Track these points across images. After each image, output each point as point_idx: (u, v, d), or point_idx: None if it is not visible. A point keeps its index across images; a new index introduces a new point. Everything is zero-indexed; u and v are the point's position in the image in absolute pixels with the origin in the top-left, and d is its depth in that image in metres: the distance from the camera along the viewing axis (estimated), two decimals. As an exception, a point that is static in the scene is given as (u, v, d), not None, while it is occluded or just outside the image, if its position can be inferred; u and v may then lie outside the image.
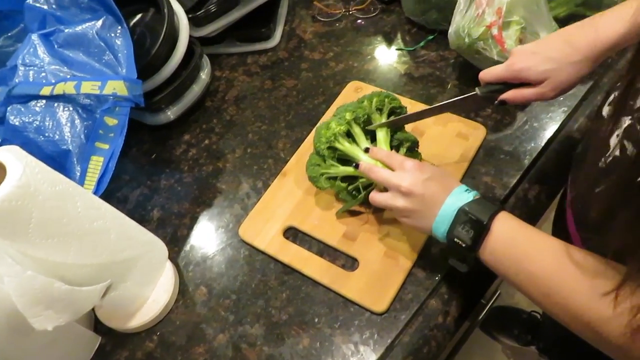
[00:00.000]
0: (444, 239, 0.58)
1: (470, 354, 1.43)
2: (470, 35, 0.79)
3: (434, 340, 0.65)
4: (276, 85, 0.95)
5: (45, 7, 0.78)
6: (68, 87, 0.71)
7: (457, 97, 0.68)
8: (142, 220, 0.80)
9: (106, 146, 0.72)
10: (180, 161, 0.87)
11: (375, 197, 0.64)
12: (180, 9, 0.87)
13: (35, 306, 0.52)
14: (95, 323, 0.71)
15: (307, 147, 0.83)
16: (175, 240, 0.77)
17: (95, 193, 0.70)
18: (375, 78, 0.92)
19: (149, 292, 0.70)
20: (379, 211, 0.73)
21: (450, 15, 0.84)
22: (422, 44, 0.95)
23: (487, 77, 0.67)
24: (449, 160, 0.77)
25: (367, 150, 0.67)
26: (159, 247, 0.70)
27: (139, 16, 0.89)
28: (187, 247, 0.77)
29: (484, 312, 1.18)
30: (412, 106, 0.84)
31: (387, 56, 0.96)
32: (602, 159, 0.53)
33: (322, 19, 1.04)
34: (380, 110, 0.70)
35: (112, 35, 0.76)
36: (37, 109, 0.72)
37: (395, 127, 0.71)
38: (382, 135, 0.69)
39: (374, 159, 0.66)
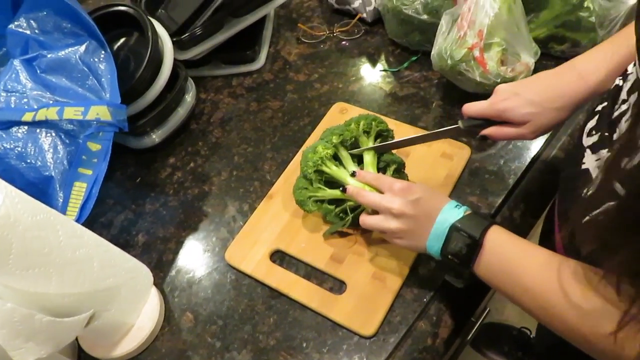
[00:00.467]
0: (438, 257, 0.58)
1: (461, 372, 1.42)
2: (452, 57, 0.80)
3: (423, 363, 0.64)
4: (261, 107, 0.95)
5: (28, 32, 0.78)
6: (50, 113, 0.70)
7: (441, 127, 0.70)
8: (126, 246, 0.79)
9: (89, 172, 0.71)
10: (165, 185, 0.86)
11: (367, 220, 0.64)
12: (164, 32, 0.87)
13: (16, 339, 0.50)
14: (78, 352, 0.69)
15: (292, 169, 0.83)
16: (160, 266, 0.76)
17: (78, 220, 0.69)
18: (360, 99, 0.93)
19: (134, 320, 0.68)
20: (366, 233, 0.73)
21: (432, 37, 0.85)
22: (405, 65, 0.96)
23: (469, 111, 0.68)
24: (434, 181, 0.78)
25: (354, 173, 0.67)
26: (144, 273, 0.69)
27: (122, 40, 0.89)
28: (172, 272, 0.76)
29: (474, 329, 1.17)
30: (397, 127, 0.84)
31: (371, 77, 0.97)
32: (585, 189, 0.54)
33: (307, 41, 1.05)
34: (367, 133, 0.70)
35: (96, 60, 0.76)
36: (19, 135, 0.71)
37: (380, 152, 0.71)
38: (368, 158, 0.70)
39: (362, 182, 0.66)
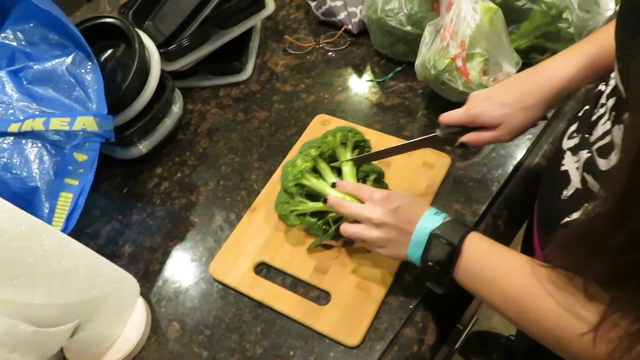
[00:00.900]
0: (419, 264, 0.59)
1: (450, 380, 1.42)
2: (436, 67, 0.81)
3: (409, 369, 0.65)
4: (248, 117, 0.96)
5: (15, 43, 0.78)
6: (37, 124, 0.71)
7: (419, 137, 0.71)
8: (113, 256, 0.79)
9: (76, 182, 0.71)
10: (152, 195, 0.86)
11: (347, 228, 0.64)
12: (151, 43, 0.88)
13: (0, 349, 0.50)
14: (63, 364, 0.69)
15: (275, 181, 0.83)
16: (147, 276, 0.76)
17: (64, 230, 0.69)
18: (346, 109, 0.94)
19: (120, 330, 0.68)
20: (349, 243, 0.74)
21: (416, 47, 0.87)
22: (390, 75, 0.97)
23: (446, 120, 0.69)
24: (416, 190, 0.78)
25: (334, 184, 0.68)
26: (130, 284, 0.69)
27: (110, 51, 0.89)
28: (159, 283, 0.75)
29: (462, 337, 1.18)
30: (380, 138, 0.86)
31: (357, 87, 0.98)
32: (564, 192, 0.55)
33: (293, 52, 1.06)
34: (344, 144, 0.71)
35: (82, 71, 0.77)
36: (4, 145, 0.71)
37: (359, 164, 0.72)
38: (347, 169, 0.70)
39: (342, 192, 0.67)
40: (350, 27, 1.04)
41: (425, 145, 0.73)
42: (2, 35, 0.78)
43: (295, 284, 0.72)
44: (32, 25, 0.78)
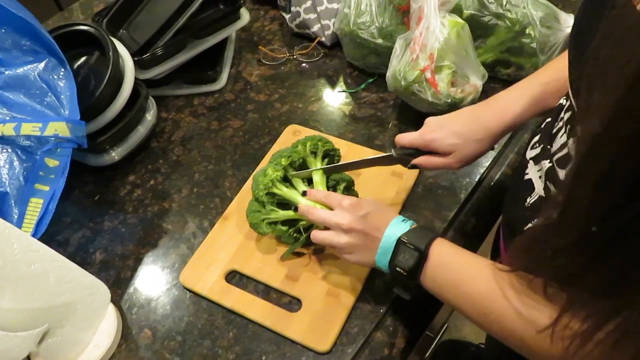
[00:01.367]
0: (387, 270, 0.60)
1: (422, 389, 1.43)
2: (406, 78, 0.84)
3: (380, 372, 0.66)
4: (222, 125, 0.97)
5: (-15, 49, 0.78)
6: (7, 129, 0.70)
7: (390, 147, 0.74)
8: (83, 264, 0.78)
9: (46, 188, 0.71)
10: (124, 202, 0.86)
11: (317, 235, 0.65)
12: (125, 52, 0.88)
13: (-35, 355, 0.49)
14: (31, 373, 0.68)
15: (247, 189, 0.84)
16: (118, 283, 0.76)
17: (33, 235, 0.68)
18: (319, 119, 0.95)
19: (90, 337, 0.67)
20: (320, 250, 0.75)
21: (387, 60, 0.89)
22: (362, 86, 1.00)
23: (401, 141, 0.72)
24: (385, 199, 0.80)
25: (304, 193, 0.69)
26: (101, 290, 0.69)
27: (83, 59, 0.89)
28: (130, 290, 0.75)
29: (433, 346, 1.19)
30: (350, 148, 0.88)
31: (330, 98, 1.00)
32: (528, 199, 0.57)
33: (268, 63, 1.07)
34: (314, 153, 0.73)
35: (55, 77, 0.76)
36: (-27, 151, 0.71)
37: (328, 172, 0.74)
38: (317, 177, 0.72)
39: (313, 200, 0.68)
40: (323, 39, 1.07)
41: (379, 163, 0.74)
42: (-27, 40, 0.77)
43: (266, 291, 0.73)
44: (3, 31, 0.77)
